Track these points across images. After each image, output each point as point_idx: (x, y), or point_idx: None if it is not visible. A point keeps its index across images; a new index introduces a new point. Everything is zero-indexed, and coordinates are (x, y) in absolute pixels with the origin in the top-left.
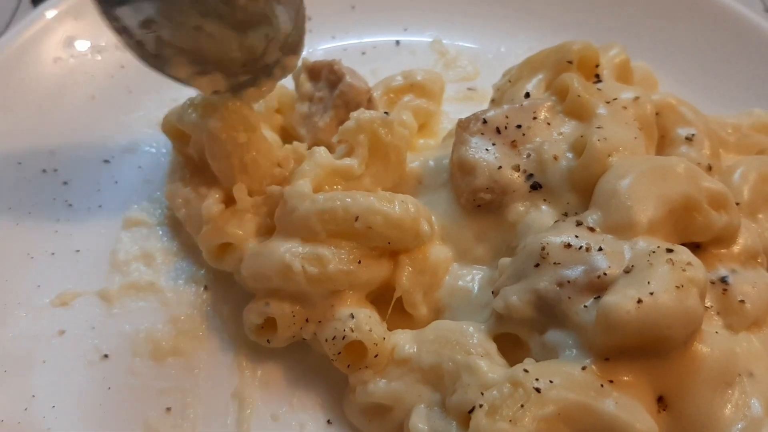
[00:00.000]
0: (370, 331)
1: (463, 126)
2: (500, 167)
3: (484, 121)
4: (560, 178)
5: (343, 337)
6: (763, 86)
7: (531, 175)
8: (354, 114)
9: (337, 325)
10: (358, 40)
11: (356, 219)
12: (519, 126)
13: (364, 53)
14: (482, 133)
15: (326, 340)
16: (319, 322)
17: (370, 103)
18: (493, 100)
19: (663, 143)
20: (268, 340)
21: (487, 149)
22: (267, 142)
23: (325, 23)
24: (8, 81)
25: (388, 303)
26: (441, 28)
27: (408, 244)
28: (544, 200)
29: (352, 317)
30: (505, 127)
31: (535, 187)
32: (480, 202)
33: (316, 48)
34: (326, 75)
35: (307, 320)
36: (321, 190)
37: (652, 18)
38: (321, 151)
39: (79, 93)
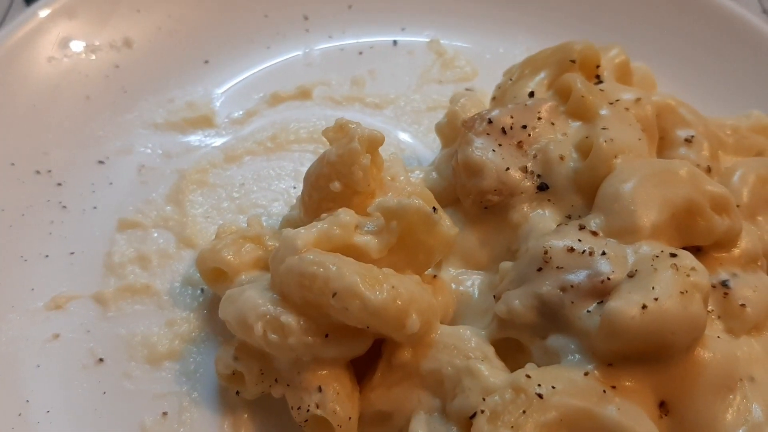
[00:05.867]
0: (335, 412)
1: (467, 125)
2: (508, 168)
3: (489, 121)
4: (566, 180)
5: (308, 410)
6: (761, 88)
7: (539, 176)
8: (399, 198)
9: (303, 395)
10: (355, 40)
11: (334, 295)
12: (524, 126)
13: (361, 53)
14: (488, 133)
15: (292, 408)
16: (288, 385)
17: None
18: (494, 98)
19: (662, 145)
20: (237, 392)
21: (493, 150)
22: None
23: (321, 23)
24: (1, 81)
25: None
26: (439, 28)
27: (391, 333)
28: (549, 200)
29: (320, 390)
30: (511, 128)
31: (542, 188)
32: (487, 204)
33: (312, 48)
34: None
35: (276, 380)
36: (326, 246)
37: (650, 19)
38: (347, 217)
39: (73, 93)
